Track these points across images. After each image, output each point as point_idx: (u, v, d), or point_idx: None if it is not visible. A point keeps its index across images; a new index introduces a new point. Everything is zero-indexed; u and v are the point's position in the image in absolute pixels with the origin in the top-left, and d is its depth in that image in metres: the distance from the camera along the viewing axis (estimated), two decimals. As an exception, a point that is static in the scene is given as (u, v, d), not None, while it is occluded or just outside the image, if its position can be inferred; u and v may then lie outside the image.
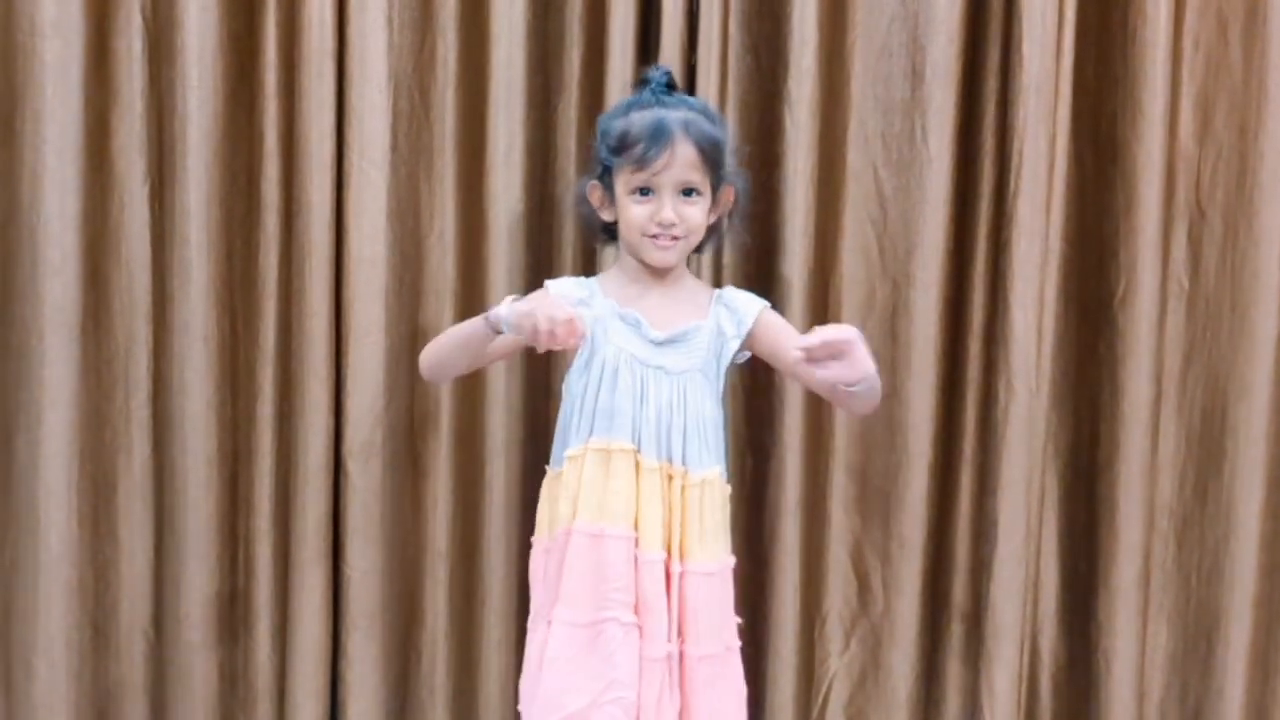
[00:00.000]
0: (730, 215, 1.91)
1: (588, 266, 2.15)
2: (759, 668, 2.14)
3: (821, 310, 2.17)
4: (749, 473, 2.21)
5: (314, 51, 2.07)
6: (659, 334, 1.81)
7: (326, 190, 2.10)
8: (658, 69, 1.88)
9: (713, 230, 1.89)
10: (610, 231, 1.89)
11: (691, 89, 2.10)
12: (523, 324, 1.66)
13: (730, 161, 1.85)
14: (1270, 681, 2.26)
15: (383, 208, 2.13)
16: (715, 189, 1.82)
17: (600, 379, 1.79)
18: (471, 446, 2.19)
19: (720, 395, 1.86)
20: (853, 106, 2.14)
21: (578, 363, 1.83)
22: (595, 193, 1.87)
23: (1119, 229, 2.15)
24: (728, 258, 2.13)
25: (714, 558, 1.80)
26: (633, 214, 1.79)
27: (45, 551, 2.13)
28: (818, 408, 2.16)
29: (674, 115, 1.78)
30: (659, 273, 1.84)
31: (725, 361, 1.85)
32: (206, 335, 2.13)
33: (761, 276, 2.13)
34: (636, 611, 1.73)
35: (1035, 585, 2.23)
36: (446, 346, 1.86)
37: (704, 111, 1.84)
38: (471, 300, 2.16)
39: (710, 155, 1.79)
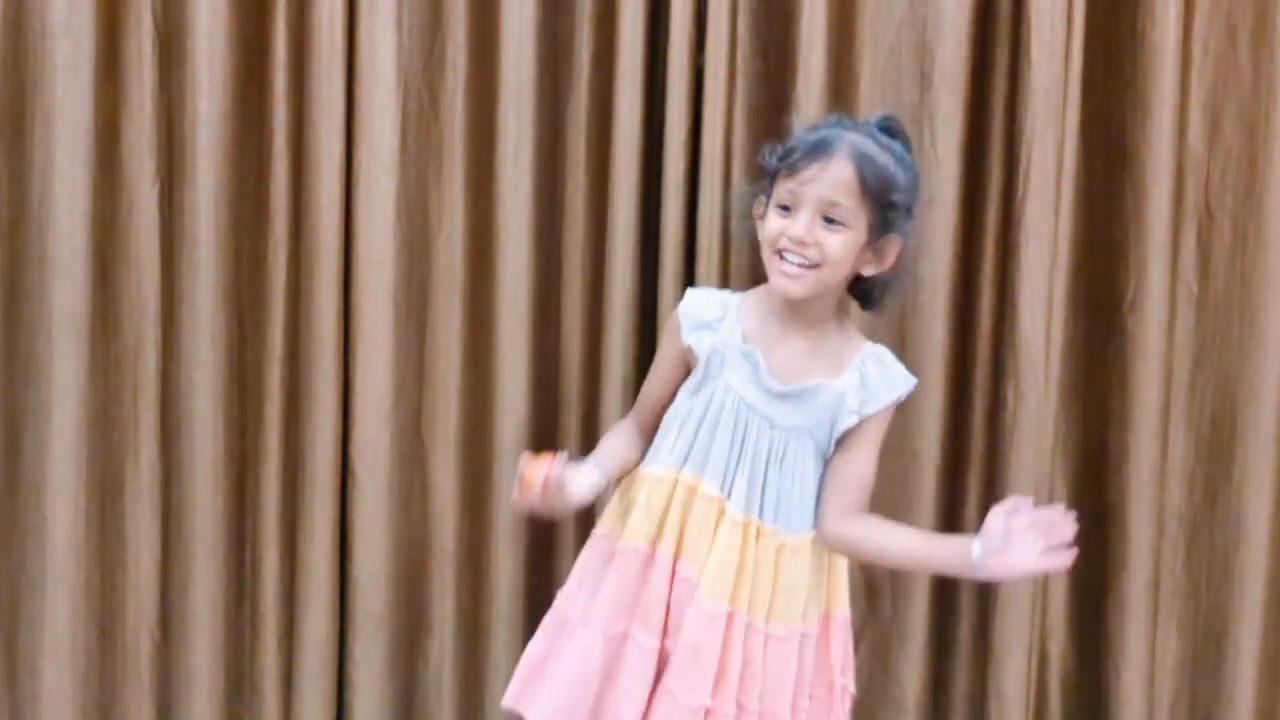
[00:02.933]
0: (895, 274, 1.67)
1: (597, 269, 2.16)
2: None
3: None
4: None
5: (324, 53, 2.08)
6: (779, 385, 1.64)
7: (335, 191, 2.10)
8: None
9: (875, 286, 1.68)
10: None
11: (699, 91, 2.10)
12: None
13: (906, 214, 1.62)
14: (1280, 688, 2.25)
15: (392, 209, 2.13)
16: (877, 234, 1.60)
17: (704, 414, 1.66)
18: (479, 447, 2.19)
19: (823, 456, 1.68)
20: (861, 110, 2.13)
21: (691, 380, 1.70)
22: (759, 208, 1.68)
23: (1128, 232, 2.15)
24: (737, 259, 2.12)
25: (783, 623, 1.64)
26: (769, 225, 1.61)
27: (51, 552, 2.12)
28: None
29: (847, 135, 1.59)
30: (801, 311, 1.64)
31: (839, 430, 1.65)
32: (214, 336, 2.13)
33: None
34: (667, 649, 1.61)
35: (1044, 591, 2.22)
36: None
37: (890, 150, 1.61)
38: (481, 301, 2.16)
39: (872, 188, 1.56)
